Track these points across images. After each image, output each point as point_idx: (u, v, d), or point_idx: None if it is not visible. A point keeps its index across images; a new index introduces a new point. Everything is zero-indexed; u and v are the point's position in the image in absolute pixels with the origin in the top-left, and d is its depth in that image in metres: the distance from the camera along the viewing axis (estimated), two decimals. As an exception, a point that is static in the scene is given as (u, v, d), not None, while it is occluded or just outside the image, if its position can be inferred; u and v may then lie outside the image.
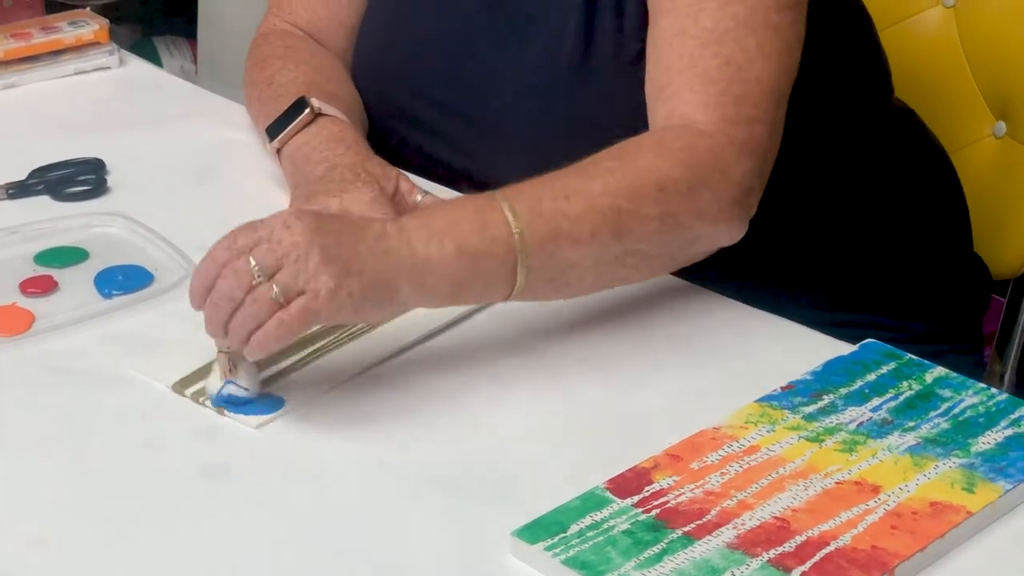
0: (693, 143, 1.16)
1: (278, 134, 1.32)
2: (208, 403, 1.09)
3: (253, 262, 1.03)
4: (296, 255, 1.03)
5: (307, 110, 1.30)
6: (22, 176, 1.39)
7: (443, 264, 1.07)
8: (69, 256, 1.27)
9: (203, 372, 1.11)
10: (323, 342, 1.15)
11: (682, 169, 1.15)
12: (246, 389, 1.08)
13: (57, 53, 1.61)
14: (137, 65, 1.67)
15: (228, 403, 1.08)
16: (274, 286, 1.03)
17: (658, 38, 1.22)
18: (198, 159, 1.44)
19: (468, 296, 1.10)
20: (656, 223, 1.13)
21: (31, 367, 1.14)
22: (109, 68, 1.63)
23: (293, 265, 1.03)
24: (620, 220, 1.12)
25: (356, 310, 1.05)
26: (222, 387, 1.08)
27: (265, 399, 1.09)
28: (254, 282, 1.03)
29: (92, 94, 1.58)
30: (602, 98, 1.26)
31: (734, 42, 1.18)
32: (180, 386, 1.11)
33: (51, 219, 1.32)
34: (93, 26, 1.62)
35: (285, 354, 1.14)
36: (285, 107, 1.32)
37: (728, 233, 1.18)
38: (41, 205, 1.36)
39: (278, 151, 1.33)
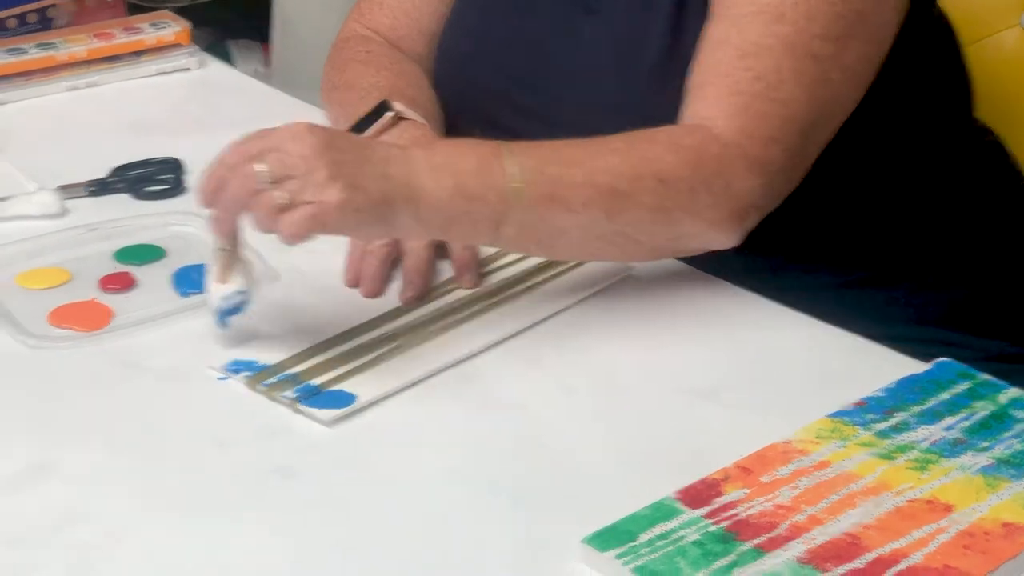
0: (705, 145, 1.17)
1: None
2: (282, 398, 1.10)
3: (263, 167, 1.07)
4: (305, 167, 1.07)
5: (389, 113, 1.32)
6: (103, 174, 1.41)
7: (438, 198, 1.11)
8: (147, 254, 1.29)
9: (277, 368, 1.12)
10: (395, 343, 1.16)
11: (687, 168, 1.16)
12: (243, 292, 1.12)
13: (138, 54, 1.63)
14: (216, 67, 1.69)
15: (229, 313, 1.13)
16: (281, 192, 1.07)
17: (705, 40, 1.23)
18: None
19: (457, 234, 1.15)
20: (649, 212, 1.16)
21: (109, 362, 1.15)
22: (189, 69, 1.65)
23: (302, 177, 1.07)
24: (615, 200, 1.15)
25: (357, 225, 1.10)
26: (227, 294, 1.12)
27: (337, 394, 1.10)
28: (260, 187, 1.07)
29: (172, 95, 1.60)
30: (680, 102, 1.26)
31: (770, 60, 1.19)
32: (254, 381, 1.12)
33: (130, 217, 1.34)
34: (175, 28, 1.64)
35: (358, 353, 1.15)
36: (366, 110, 1.33)
37: (719, 240, 1.19)
38: (121, 203, 1.38)
39: (358, 154, 1.34)
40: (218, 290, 1.13)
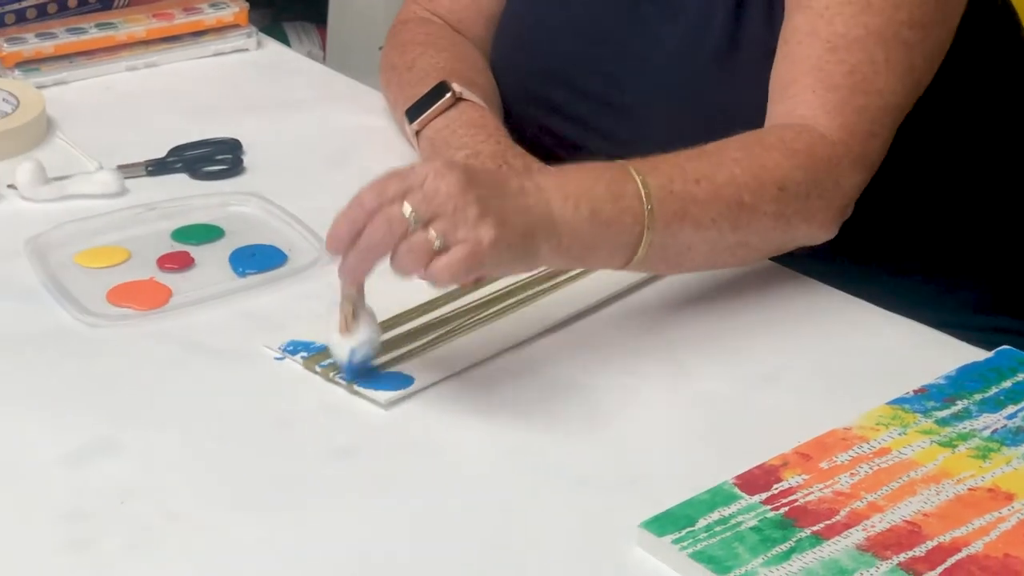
0: (814, 147, 1.17)
1: (418, 116, 1.33)
2: (339, 378, 1.10)
3: (408, 209, 1.03)
4: (454, 205, 1.03)
5: (448, 94, 1.31)
6: (161, 154, 1.41)
7: (577, 226, 1.08)
8: (205, 233, 1.29)
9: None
10: (451, 326, 1.16)
11: (802, 172, 1.16)
12: (371, 342, 1.09)
13: (197, 34, 1.63)
14: (273, 48, 1.69)
15: (359, 369, 1.09)
16: (433, 233, 1.03)
17: (789, 34, 1.21)
18: (332, 143, 1.45)
19: (594, 260, 1.12)
20: (771, 220, 1.15)
21: (167, 342, 1.15)
22: (247, 50, 1.65)
23: (452, 216, 1.03)
24: (741, 213, 1.14)
25: (510, 262, 1.07)
26: (355, 347, 1.08)
27: (394, 376, 1.10)
28: (410, 229, 1.03)
29: (230, 75, 1.60)
30: (746, 89, 1.26)
31: (862, 52, 1.18)
32: (311, 362, 1.12)
33: (188, 196, 1.34)
34: (233, 8, 1.64)
35: (415, 335, 1.15)
36: (425, 91, 1.33)
37: (821, 238, 1.19)
38: (179, 183, 1.38)
39: (417, 133, 1.34)
40: (346, 342, 1.09)
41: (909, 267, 1.33)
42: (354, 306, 1.08)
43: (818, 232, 1.18)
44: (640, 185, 1.10)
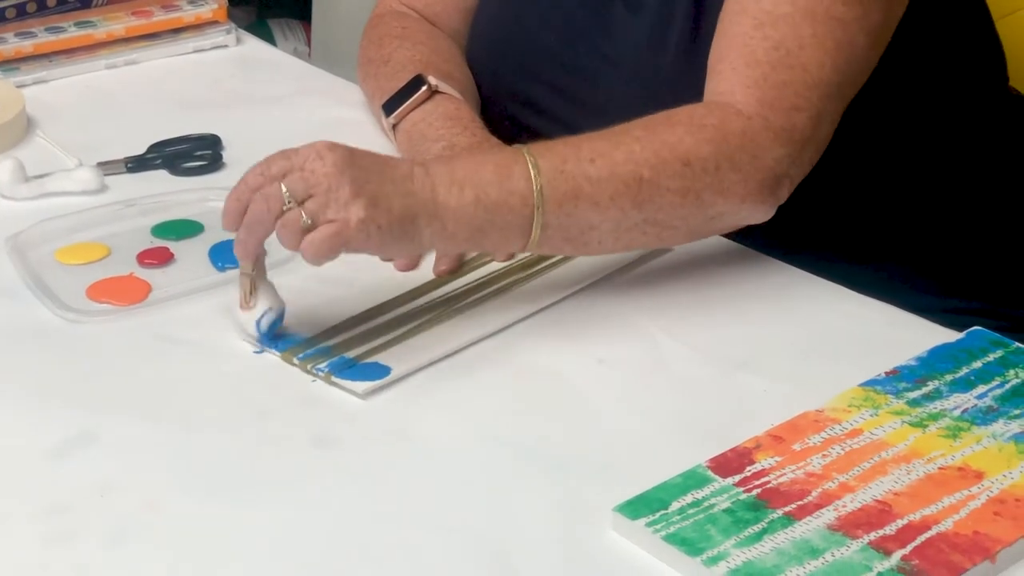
0: (726, 122, 1.16)
1: (395, 110, 1.34)
2: (316, 371, 1.11)
3: (284, 188, 1.07)
4: (327, 185, 1.07)
5: (424, 87, 1.32)
6: (141, 150, 1.42)
7: (462, 211, 1.11)
8: (185, 229, 1.30)
9: (311, 342, 1.14)
10: (429, 316, 1.17)
11: (709, 146, 1.15)
12: (273, 309, 1.13)
13: (176, 31, 1.64)
14: (253, 44, 1.70)
15: (270, 335, 1.13)
16: (303, 213, 1.07)
17: (723, 14, 1.22)
18: (311, 137, 1.41)
19: (485, 243, 1.14)
20: (677, 196, 1.15)
21: (147, 336, 1.16)
22: (226, 47, 1.66)
23: (324, 195, 1.07)
24: (641, 189, 1.14)
25: (381, 243, 1.10)
26: (259, 318, 1.12)
27: (372, 367, 1.11)
28: (285, 207, 1.07)
29: (209, 72, 1.61)
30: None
31: (788, 28, 1.18)
32: (289, 355, 1.13)
33: (168, 192, 1.35)
34: (212, 5, 1.65)
35: (392, 326, 1.16)
36: (402, 84, 1.34)
37: (754, 214, 1.19)
38: (159, 179, 1.39)
39: (394, 127, 1.35)
40: (249, 316, 1.13)
41: (877, 251, 1.34)
42: (252, 281, 1.12)
43: (743, 207, 1.17)
44: (530, 166, 1.12)
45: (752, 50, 1.18)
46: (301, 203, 1.07)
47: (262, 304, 1.13)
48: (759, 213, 1.19)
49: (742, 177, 1.16)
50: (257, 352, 1.14)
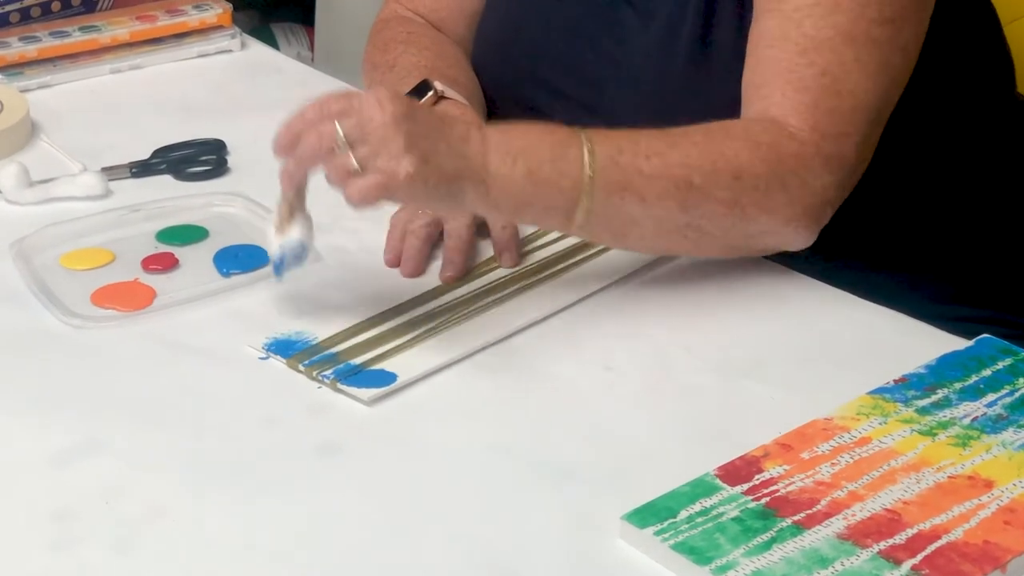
0: (781, 143, 1.17)
1: (400, 115, 1.34)
2: (322, 377, 1.10)
3: (339, 129, 1.07)
4: (382, 135, 1.08)
5: (430, 92, 1.32)
6: (145, 155, 1.41)
7: (510, 182, 1.11)
8: (190, 234, 1.29)
9: (317, 348, 1.13)
10: (436, 322, 1.17)
11: (763, 165, 1.16)
12: (303, 244, 1.13)
13: (181, 36, 1.64)
14: (257, 49, 1.69)
15: (285, 267, 1.14)
16: (352, 157, 1.07)
17: (758, 37, 1.22)
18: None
19: (527, 217, 1.16)
20: (723, 207, 1.15)
21: (152, 342, 1.16)
22: (231, 51, 1.66)
23: (377, 144, 1.08)
24: (690, 193, 1.14)
25: (426, 200, 1.11)
26: (286, 244, 1.13)
27: (378, 373, 1.11)
28: (337, 148, 1.08)
29: (214, 76, 1.61)
30: (718, 91, 1.26)
31: (831, 52, 1.18)
32: (295, 361, 1.12)
33: (173, 198, 1.34)
34: (216, 10, 1.65)
35: (398, 332, 1.15)
36: (408, 89, 1.33)
37: (795, 238, 1.19)
38: (163, 184, 1.39)
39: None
40: (278, 239, 1.14)
41: (886, 259, 1.33)
42: (291, 206, 1.13)
43: (785, 229, 1.18)
44: (585, 151, 1.12)
45: (800, 76, 1.18)
46: (352, 147, 1.08)
47: (294, 233, 1.13)
48: (800, 239, 1.19)
49: (789, 199, 1.17)
50: (263, 358, 1.14)
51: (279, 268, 1.14)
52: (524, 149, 1.12)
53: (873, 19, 1.19)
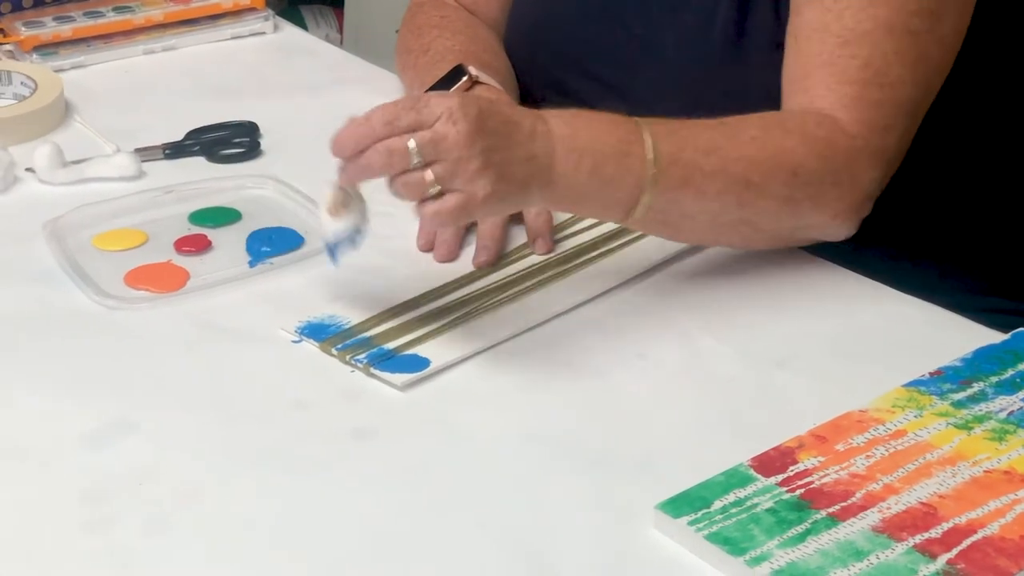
0: (834, 137, 1.17)
1: (436, 100, 1.33)
2: (355, 361, 1.10)
3: (413, 145, 1.05)
4: (458, 154, 1.05)
5: (465, 77, 1.31)
6: (179, 137, 1.41)
7: (576, 180, 1.11)
8: (223, 216, 1.29)
9: (350, 332, 1.13)
10: (469, 308, 1.16)
11: (818, 160, 1.16)
12: (358, 229, 1.11)
13: (215, 17, 1.64)
14: (290, 31, 1.69)
15: (342, 248, 1.11)
16: (431, 175, 1.05)
17: (798, 29, 1.21)
18: (349, 125, 1.45)
19: (586, 210, 1.16)
20: (778, 203, 1.16)
21: (184, 324, 1.16)
22: (264, 33, 1.65)
23: (454, 164, 1.05)
24: (747, 191, 1.14)
25: (500, 211, 1.14)
26: (341, 229, 1.11)
27: (411, 358, 1.10)
28: (410, 165, 1.05)
29: (247, 58, 1.61)
30: (753, 78, 1.26)
31: (872, 45, 1.18)
32: (328, 345, 1.12)
33: (206, 180, 1.34)
34: (250, -9, 1.65)
35: (431, 317, 1.15)
36: (442, 74, 1.33)
37: (838, 231, 1.20)
38: (196, 166, 1.39)
39: (434, 117, 1.34)
40: (332, 224, 1.11)
41: (920, 249, 1.33)
42: (346, 192, 1.11)
43: (831, 223, 1.18)
44: (650, 148, 1.12)
45: (843, 69, 1.18)
46: (426, 165, 1.06)
47: (349, 219, 1.11)
48: (843, 231, 1.20)
49: (840, 194, 1.17)
50: (296, 341, 1.13)
51: (334, 253, 1.12)
52: (589, 146, 1.11)
53: (913, 11, 1.18)
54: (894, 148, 1.20)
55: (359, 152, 1.07)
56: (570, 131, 1.11)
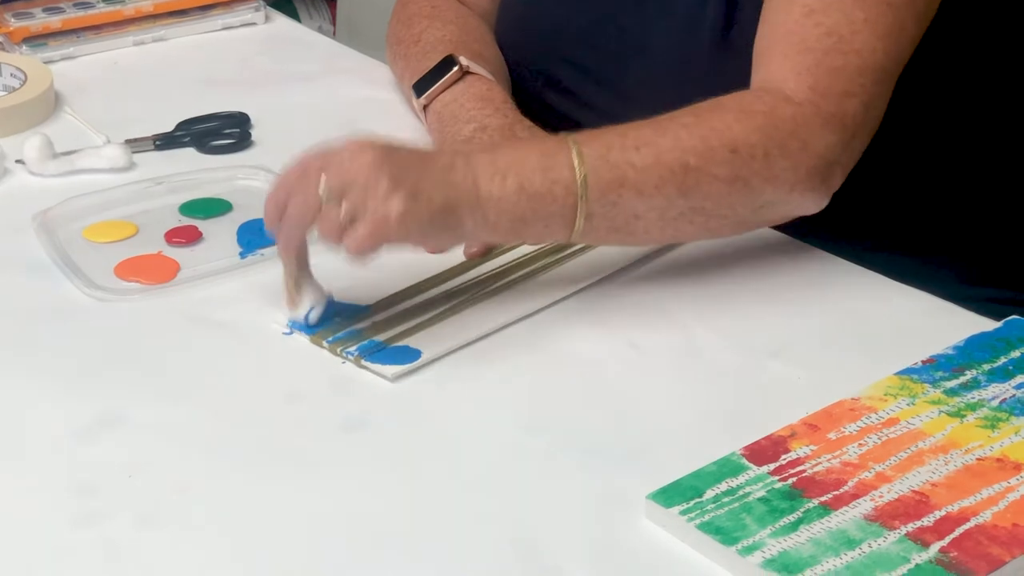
0: (776, 109, 1.14)
1: (425, 90, 1.33)
2: (346, 354, 1.10)
3: (323, 184, 1.05)
4: (365, 180, 1.05)
5: (455, 67, 1.31)
6: (169, 128, 1.41)
7: (504, 200, 1.09)
8: (213, 207, 1.29)
9: (342, 324, 1.13)
10: (460, 299, 1.16)
11: (758, 134, 1.13)
12: (318, 303, 1.12)
13: (205, 8, 1.63)
14: (282, 22, 1.69)
15: (316, 326, 1.12)
16: (341, 209, 1.05)
17: (768, 2, 1.20)
18: (340, 116, 1.45)
19: (529, 233, 1.12)
20: (724, 184, 1.13)
21: (175, 316, 1.15)
22: (255, 24, 1.65)
23: (362, 190, 1.05)
24: (687, 176, 1.12)
25: (423, 236, 1.09)
26: (307, 314, 1.12)
27: (402, 350, 1.10)
28: (323, 204, 1.06)
29: (238, 49, 1.61)
30: (744, 70, 1.25)
31: (840, 13, 1.16)
32: (319, 337, 1.12)
33: (196, 171, 1.34)
34: (241, -18, 1.64)
35: (422, 309, 1.15)
36: (432, 64, 1.32)
37: (804, 204, 1.16)
38: (187, 157, 1.38)
39: (424, 107, 1.34)
40: (296, 313, 1.12)
41: (912, 239, 1.33)
42: (295, 278, 1.11)
43: (793, 195, 1.15)
44: (574, 155, 1.10)
45: (803, 37, 1.16)
46: (340, 199, 1.06)
47: (307, 300, 1.12)
48: (809, 202, 1.16)
49: (791, 164, 1.14)
50: (287, 333, 1.13)
51: (307, 328, 1.13)
52: (512, 164, 1.09)
53: None
54: (859, 115, 1.16)
55: (283, 212, 1.08)
56: (490, 156, 1.10)
